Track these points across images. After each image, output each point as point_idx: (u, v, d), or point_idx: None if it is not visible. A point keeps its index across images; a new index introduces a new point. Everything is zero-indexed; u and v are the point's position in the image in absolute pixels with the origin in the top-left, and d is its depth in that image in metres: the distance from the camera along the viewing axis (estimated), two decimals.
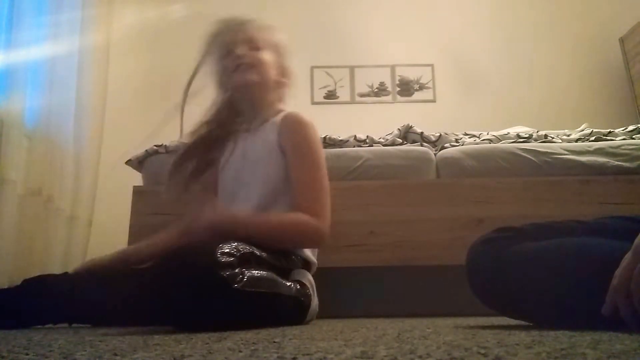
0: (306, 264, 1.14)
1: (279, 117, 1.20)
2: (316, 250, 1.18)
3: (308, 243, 1.12)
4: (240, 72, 1.17)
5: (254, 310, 0.84)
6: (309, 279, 1.08)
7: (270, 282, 0.89)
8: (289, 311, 0.96)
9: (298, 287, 1.00)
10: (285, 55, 1.28)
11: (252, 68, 1.18)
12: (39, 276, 1.10)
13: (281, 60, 1.26)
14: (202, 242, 0.83)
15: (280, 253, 1.05)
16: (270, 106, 1.24)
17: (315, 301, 1.07)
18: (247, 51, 1.19)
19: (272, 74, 1.22)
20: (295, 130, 1.17)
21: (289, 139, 1.15)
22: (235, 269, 0.79)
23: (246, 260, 0.84)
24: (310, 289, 1.05)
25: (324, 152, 1.18)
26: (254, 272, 0.84)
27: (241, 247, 0.85)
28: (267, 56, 1.21)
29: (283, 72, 1.27)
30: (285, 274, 1.03)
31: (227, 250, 0.81)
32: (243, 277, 0.80)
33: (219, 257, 0.78)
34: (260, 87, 1.21)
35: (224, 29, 1.24)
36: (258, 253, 0.91)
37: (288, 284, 0.98)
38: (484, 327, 0.75)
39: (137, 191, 1.64)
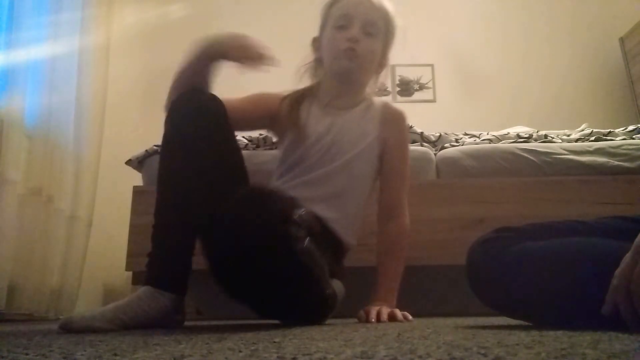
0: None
1: (376, 106, 1.22)
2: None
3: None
4: (346, 58, 1.14)
5: (295, 283, 0.83)
6: (341, 291, 1.08)
7: (321, 269, 0.89)
8: (314, 307, 0.95)
9: (331, 292, 0.99)
10: (391, 44, 1.24)
11: (359, 58, 1.14)
12: None
13: (386, 50, 1.23)
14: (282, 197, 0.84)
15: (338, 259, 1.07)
16: (361, 91, 1.24)
17: None
18: (361, 36, 1.14)
19: (374, 64, 1.20)
20: (402, 129, 1.24)
21: (395, 137, 1.20)
22: (300, 234, 0.79)
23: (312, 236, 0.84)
24: (339, 296, 1.05)
25: None
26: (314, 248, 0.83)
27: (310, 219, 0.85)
28: (376, 46, 1.18)
29: (383, 62, 1.24)
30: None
31: (304, 215, 0.81)
32: (304, 245, 0.80)
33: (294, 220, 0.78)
34: (358, 78, 1.20)
35: None
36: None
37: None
38: (484, 327, 0.75)
39: (137, 191, 1.64)
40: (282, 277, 0.80)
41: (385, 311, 1.02)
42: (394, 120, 1.21)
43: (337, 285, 1.06)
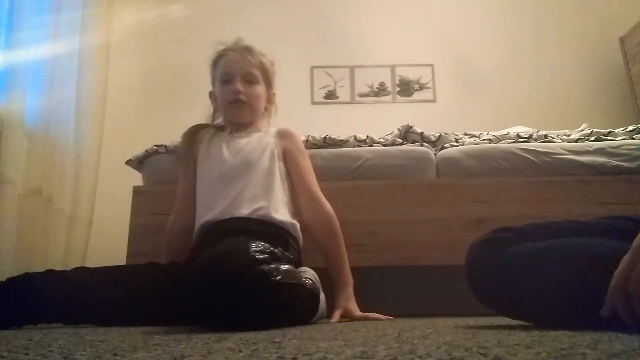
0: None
1: (271, 130, 1.44)
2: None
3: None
4: (235, 108, 1.39)
5: (287, 302, 0.86)
6: (313, 274, 1.13)
7: (297, 274, 0.96)
8: (307, 304, 0.99)
9: (310, 281, 1.04)
10: (273, 83, 1.48)
11: (246, 105, 1.38)
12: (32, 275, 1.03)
13: (270, 90, 1.47)
14: (233, 243, 0.85)
15: (288, 247, 1.16)
16: (256, 125, 1.46)
17: (322, 297, 1.11)
18: (244, 87, 1.38)
19: (263, 104, 1.44)
20: (295, 138, 1.46)
21: (292, 144, 1.42)
22: (270, 264, 0.82)
23: (275, 258, 0.87)
24: (317, 283, 1.09)
25: None
26: (284, 266, 0.86)
27: (267, 245, 0.87)
28: (259, 89, 1.41)
29: (270, 99, 1.48)
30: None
31: (259, 248, 0.84)
32: (279, 271, 0.82)
33: (254, 254, 0.81)
34: (250, 118, 1.43)
35: (227, 54, 1.42)
36: (277, 251, 0.94)
37: (304, 278, 1.02)
38: (484, 327, 0.75)
39: (137, 191, 1.64)
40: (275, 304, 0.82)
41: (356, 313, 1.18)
42: (285, 135, 1.43)
43: (308, 274, 1.10)
